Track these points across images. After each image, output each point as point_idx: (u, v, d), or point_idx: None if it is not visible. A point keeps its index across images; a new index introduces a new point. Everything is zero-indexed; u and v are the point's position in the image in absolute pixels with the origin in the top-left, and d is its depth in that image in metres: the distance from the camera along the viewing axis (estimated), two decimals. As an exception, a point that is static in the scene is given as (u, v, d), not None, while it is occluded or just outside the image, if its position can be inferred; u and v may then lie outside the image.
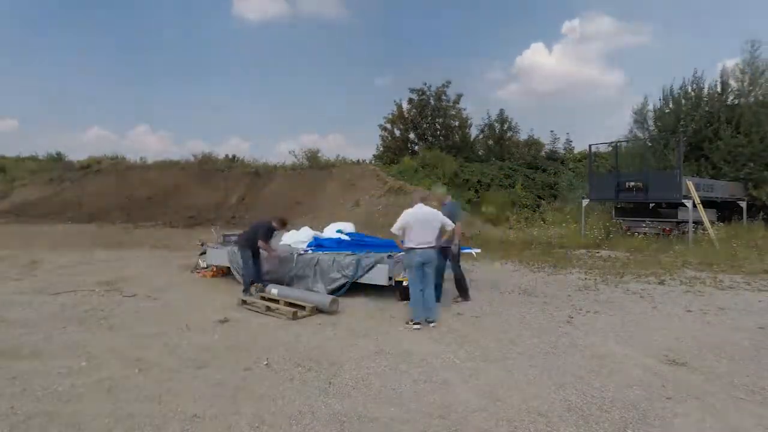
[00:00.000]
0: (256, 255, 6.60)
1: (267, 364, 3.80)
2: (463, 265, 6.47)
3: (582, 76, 59.45)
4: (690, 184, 11.62)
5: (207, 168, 21.27)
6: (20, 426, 2.79)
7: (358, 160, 23.24)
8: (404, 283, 6.06)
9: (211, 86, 62.32)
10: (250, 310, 5.60)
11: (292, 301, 5.55)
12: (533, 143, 24.77)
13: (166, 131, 61.57)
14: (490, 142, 24.85)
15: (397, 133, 25.06)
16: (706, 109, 16.52)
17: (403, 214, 5.11)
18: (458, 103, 24.38)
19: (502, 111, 24.94)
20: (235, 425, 2.80)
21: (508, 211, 16.02)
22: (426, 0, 61.24)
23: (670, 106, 17.58)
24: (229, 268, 7.64)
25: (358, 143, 67.21)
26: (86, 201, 19.66)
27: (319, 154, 22.00)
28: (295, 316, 5.18)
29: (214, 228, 12.79)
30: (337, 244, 7.36)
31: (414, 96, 24.27)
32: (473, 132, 25.31)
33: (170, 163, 22.56)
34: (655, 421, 2.82)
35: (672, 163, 15.01)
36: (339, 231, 7.98)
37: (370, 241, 7.71)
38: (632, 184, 12.47)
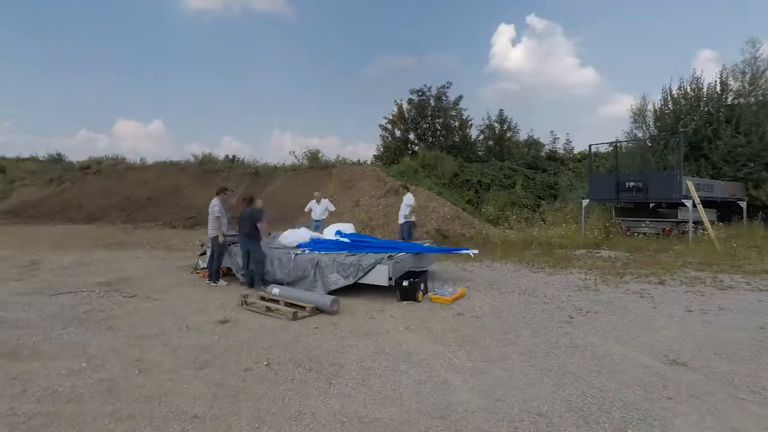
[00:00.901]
0: (257, 245, 6.86)
1: (267, 364, 3.80)
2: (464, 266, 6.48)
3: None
4: (690, 184, 11.62)
5: (207, 168, 21.29)
6: (20, 426, 2.79)
7: (359, 161, 23.25)
8: (404, 284, 6.07)
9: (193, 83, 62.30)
10: (250, 310, 5.60)
11: (292, 302, 5.55)
12: (533, 143, 24.77)
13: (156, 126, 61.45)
14: (490, 142, 24.87)
15: (397, 133, 25.10)
16: (706, 109, 16.53)
17: None
18: (458, 104, 24.43)
19: (501, 111, 24.99)
20: (235, 425, 2.80)
21: (508, 212, 16.01)
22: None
23: (670, 106, 17.60)
24: (229, 268, 7.65)
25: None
26: (86, 201, 19.67)
27: (320, 155, 22.03)
28: (295, 317, 5.19)
29: None
30: (335, 245, 7.37)
31: (414, 97, 24.33)
32: (473, 132, 25.37)
33: (170, 164, 22.58)
34: (655, 421, 2.82)
35: (672, 163, 15.02)
36: (338, 232, 7.97)
37: (370, 242, 7.71)
38: (632, 184, 12.48)
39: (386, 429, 2.76)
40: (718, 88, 16.83)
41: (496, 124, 24.95)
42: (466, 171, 19.54)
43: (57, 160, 25.67)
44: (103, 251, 11.04)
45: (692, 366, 3.72)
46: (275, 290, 5.85)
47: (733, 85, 16.93)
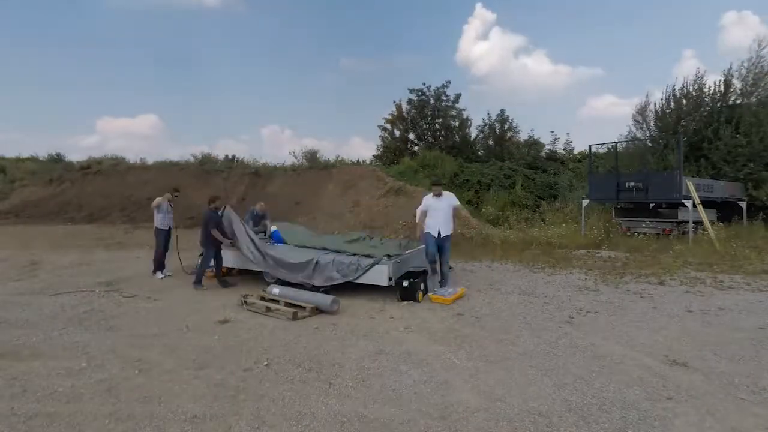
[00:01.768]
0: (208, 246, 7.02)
1: (267, 364, 3.80)
2: (464, 266, 6.47)
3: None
4: (690, 185, 11.62)
5: (207, 168, 21.27)
6: (20, 426, 2.79)
7: (358, 161, 23.23)
8: (404, 284, 6.07)
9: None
10: (250, 310, 5.60)
11: (292, 302, 5.55)
12: (533, 143, 24.74)
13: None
14: (490, 142, 24.83)
15: (397, 133, 25.07)
16: (707, 109, 16.53)
17: None
18: (457, 103, 24.41)
19: (502, 111, 24.95)
20: (235, 425, 2.80)
21: (508, 212, 16.00)
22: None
23: (671, 106, 17.60)
24: (229, 268, 7.65)
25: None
26: (86, 201, 19.65)
27: (319, 155, 22.02)
28: (295, 317, 5.19)
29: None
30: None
31: (413, 96, 24.30)
32: (473, 132, 25.34)
33: (170, 164, 22.56)
34: (656, 421, 2.82)
35: (672, 163, 15.02)
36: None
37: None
38: (632, 184, 12.48)
39: (386, 429, 2.76)
40: (721, 87, 16.83)
41: (496, 124, 24.93)
42: (466, 171, 19.52)
43: (57, 160, 25.64)
44: (103, 251, 11.03)
45: (692, 366, 3.72)
46: (275, 290, 5.85)
47: (737, 84, 16.95)
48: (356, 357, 3.97)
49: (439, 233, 6.51)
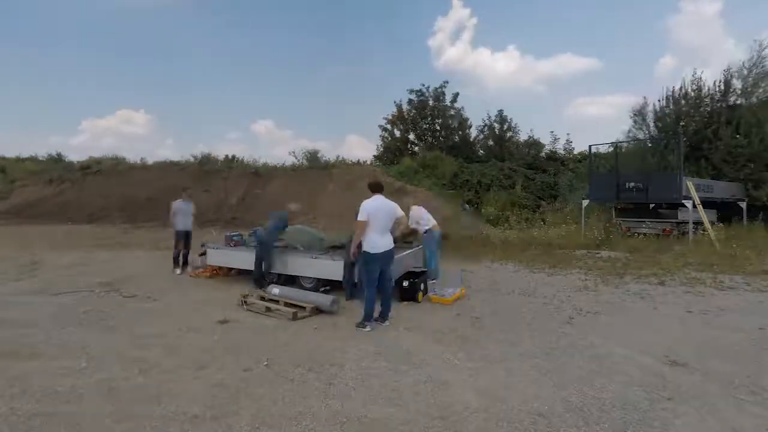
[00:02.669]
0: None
1: (267, 364, 3.79)
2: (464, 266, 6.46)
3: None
4: (690, 185, 11.62)
5: (207, 168, 21.27)
6: (20, 426, 2.79)
7: (359, 161, 23.23)
8: (404, 284, 6.07)
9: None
10: (250, 310, 5.60)
11: (292, 302, 5.55)
12: (533, 144, 24.73)
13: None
14: (491, 142, 24.83)
15: (397, 133, 25.09)
16: (707, 109, 16.53)
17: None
18: (455, 102, 24.43)
19: (501, 111, 24.94)
20: (235, 425, 2.80)
21: (508, 212, 16.00)
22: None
23: (671, 106, 17.61)
24: (230, 268, 7.65)
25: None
26: (86, 201, 19.64)
27: (319, 155, 22.03)
28: (295, 317, 5.19)
29: (213, 228, 12.83)
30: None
31: (413, 97, 24.33)
32: (473, 132, 25.34)
33: (170, 164, 22.56)
34: (656, 421, 2.82)
35: (672, 163, 15.02)
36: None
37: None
38: (632, 184, 12.47)
39: (386, 429, 2.76)
40: (721, 86, 16.84)
41: (496, 124, 24.92)
42: (466, 171, 19.52)
43: (57, 160, 25.64)
44: (103, 251, 11.02)
45: (692, 366, 3.72)
46: (275, 290, 5.85)
47: (737, 84, 16.96)
48: (356, 357, 3.97)
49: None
